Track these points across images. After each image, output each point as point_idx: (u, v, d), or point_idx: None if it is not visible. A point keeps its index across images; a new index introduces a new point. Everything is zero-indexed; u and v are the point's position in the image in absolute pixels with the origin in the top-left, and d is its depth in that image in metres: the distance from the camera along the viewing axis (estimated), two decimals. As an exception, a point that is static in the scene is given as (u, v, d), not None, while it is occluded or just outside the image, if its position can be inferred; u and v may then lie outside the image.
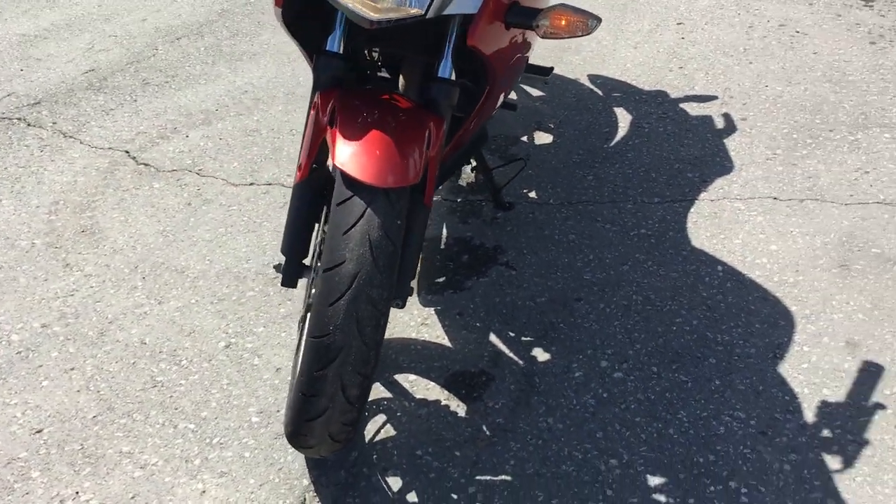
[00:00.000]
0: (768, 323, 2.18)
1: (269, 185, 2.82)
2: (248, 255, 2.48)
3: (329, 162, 1.60)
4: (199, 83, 3.46)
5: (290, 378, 1.99)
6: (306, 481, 1.81)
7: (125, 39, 3.85)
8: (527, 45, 2.04)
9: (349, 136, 1.50)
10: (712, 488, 1.77)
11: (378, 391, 2.02)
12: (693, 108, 3.16)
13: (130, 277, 2.41)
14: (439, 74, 1.68)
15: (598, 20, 1.74)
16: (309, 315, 1.50)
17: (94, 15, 4.11)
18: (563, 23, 1.71)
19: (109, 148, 3.03)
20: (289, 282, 1.71)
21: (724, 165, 2.82)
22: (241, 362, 2.12)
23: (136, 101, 3.33)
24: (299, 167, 1.65)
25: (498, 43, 1.77)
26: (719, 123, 3.06)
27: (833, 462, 1.81)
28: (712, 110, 3.14)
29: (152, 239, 2.57)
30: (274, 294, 2.33)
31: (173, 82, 3.48)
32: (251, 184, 2.83)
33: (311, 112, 1.65)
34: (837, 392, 1.98)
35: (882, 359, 2.06)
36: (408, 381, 2.05)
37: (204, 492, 1.80)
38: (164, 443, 1.91)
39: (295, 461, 1.85)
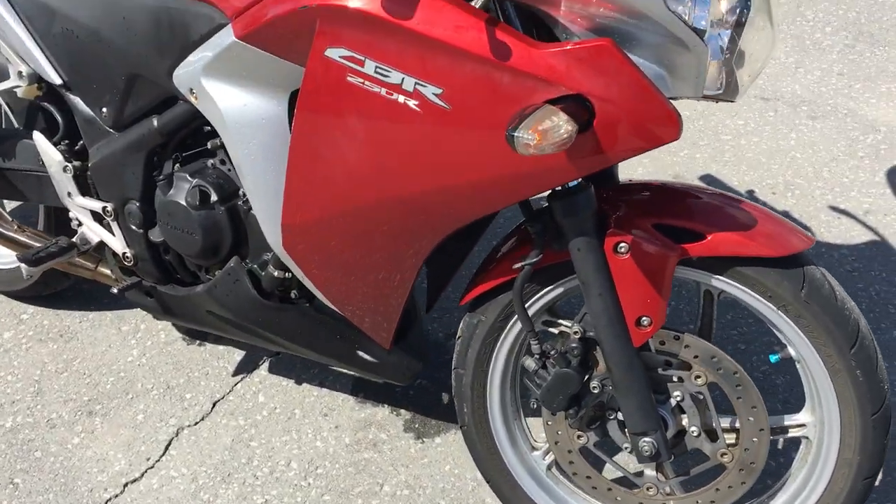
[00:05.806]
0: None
1: None
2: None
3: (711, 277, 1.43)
4: None
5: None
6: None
7: None
8: None
9: (726, 227, 1.37)
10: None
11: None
12: None
13: None
14: None
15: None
16: (845, 396, 1.41)
17: None
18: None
19: None
20: (670, 453, 1.53)
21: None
22: None
23: None
24: (637, 325, 1.40)
25: None
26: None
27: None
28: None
29: None
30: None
31: None
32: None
33: (623, 257, 1.37)
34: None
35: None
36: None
37: None
38: None
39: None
